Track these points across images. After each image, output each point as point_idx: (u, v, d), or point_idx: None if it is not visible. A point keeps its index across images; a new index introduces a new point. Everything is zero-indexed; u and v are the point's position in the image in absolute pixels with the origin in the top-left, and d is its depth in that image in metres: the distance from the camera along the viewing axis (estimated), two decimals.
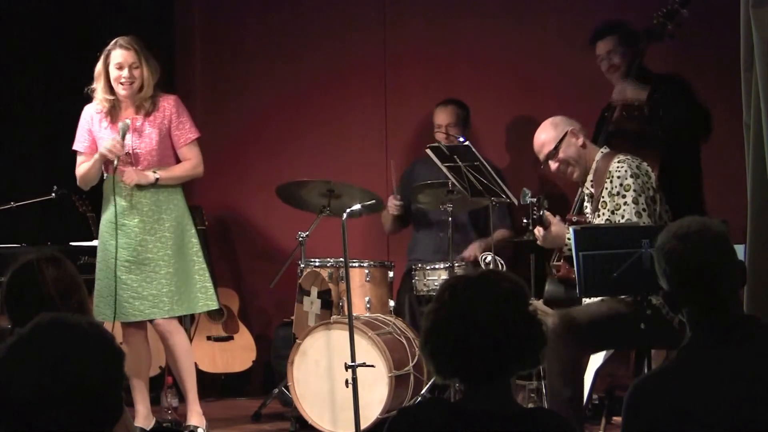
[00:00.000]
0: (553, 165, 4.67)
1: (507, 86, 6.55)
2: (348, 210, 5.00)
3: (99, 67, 5.12)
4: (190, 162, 5.24)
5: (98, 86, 5.12)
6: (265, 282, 6.02)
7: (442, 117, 6.16)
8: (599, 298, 4.39)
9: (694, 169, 5.26)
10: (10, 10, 6.49)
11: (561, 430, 2.24)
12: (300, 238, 5.59)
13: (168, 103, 5.19)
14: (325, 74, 6.98)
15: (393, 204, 6.16)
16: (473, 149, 5.08)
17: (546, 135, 4.68)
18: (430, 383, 5.40)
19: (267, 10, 7.16)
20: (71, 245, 5.82)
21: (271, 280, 5.84)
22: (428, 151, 5.22)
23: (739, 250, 3.16)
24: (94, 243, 5.95)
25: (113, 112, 5.13)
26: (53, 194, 6.05)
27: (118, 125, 5.09)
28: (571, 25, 5.97)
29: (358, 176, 6.26)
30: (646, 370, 3.99)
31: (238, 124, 7.16)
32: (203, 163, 5.27)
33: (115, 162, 5.02)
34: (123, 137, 5.05)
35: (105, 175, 5.19)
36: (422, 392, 5.39)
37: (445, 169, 5.24)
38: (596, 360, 4.49)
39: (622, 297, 4.31)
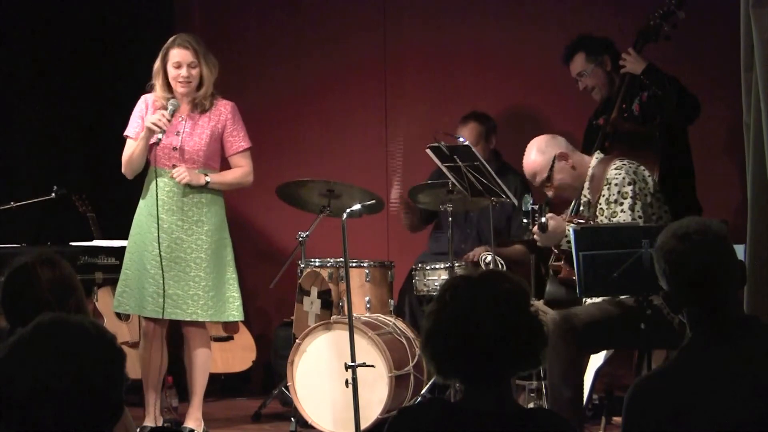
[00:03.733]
0: (549, 192, 4.70)
1: (507, 87, 6.55)
2: (348, 210, 5.00)
3: (157, 64, 5.07)
4: (242, 170, 5.22)
5: (156, 83, 5.08)
6: (265, 282, 6.02)
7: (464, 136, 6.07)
8: (599, 298, 4.39)
9: (688, 169, 5.26)
10: (10, 11, 6.49)
11: (561, 430, 2.24)
12: (300, 238, 5.58)
13: (225, 108, 5.17)
14: (325, 74, 6.98)
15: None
16: (473, 149, 5.08)
17: (534, 161, 4.67)
18: (430, 383, 5.40)
19: (267, 11, 7.16)
20: (71, 245, 5.82)
21: (271, 280, 5.83)
22: (428, 151, 5.22)
23: (739, 250, 3.17)
24: (94, 243, 5.96)
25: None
26: (53, 194, 6.04)
27: (168, 102, 5.01)
28: (571, 25, 5.96)
29: (358, 176, 6.25)
30: (646, 370, 3.99)
31: None
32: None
33: (159, 136, 4.92)
34: (171, 115, 4.96)
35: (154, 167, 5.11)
36: (422, 392, 5.38)
37: (445, 169, 5.23)
38: (596, 360, 4.49)
39: (622, 297, 4.31)
